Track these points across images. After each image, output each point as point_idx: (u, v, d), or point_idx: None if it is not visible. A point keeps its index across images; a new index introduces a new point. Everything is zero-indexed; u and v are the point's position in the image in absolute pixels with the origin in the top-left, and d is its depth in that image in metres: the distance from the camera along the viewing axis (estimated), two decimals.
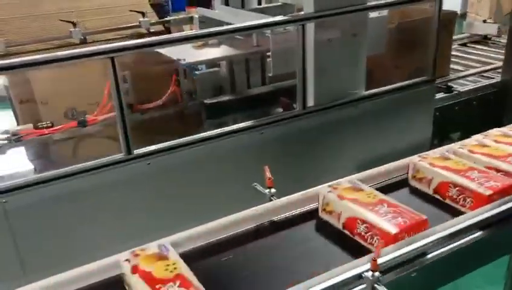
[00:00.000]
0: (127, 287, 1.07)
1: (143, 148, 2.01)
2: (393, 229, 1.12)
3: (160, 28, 3.64)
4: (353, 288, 1.01)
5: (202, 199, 2.07)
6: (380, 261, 1.00)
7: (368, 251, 1.11)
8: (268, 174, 1.41)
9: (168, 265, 1.07)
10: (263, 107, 2.45)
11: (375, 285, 0.99)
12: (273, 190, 1.39)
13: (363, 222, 1.18)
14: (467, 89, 3.17)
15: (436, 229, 1.13)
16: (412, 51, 2.70)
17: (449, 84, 3.20)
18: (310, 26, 2.18)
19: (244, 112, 2.39)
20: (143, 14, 3.58)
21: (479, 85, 3.23)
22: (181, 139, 2.08)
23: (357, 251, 1.13)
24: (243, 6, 2.93)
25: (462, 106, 3.13)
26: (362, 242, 1.18)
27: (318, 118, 2.31)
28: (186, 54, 2.43)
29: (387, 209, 1.20)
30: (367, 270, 0.99)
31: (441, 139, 3.51)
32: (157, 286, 1.01)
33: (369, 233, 1.17)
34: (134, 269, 1.06)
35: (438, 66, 2.66)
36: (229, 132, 2.15)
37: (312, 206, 1.36)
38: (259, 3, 3.00)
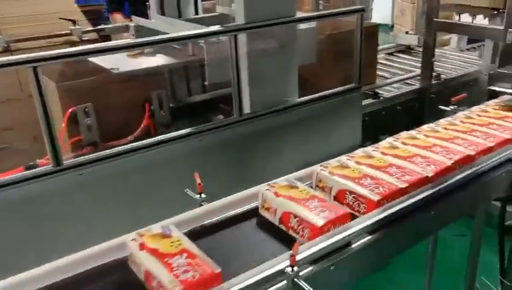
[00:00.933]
0: (132, 266, 1.16)
1: (73, 159, 1.97)
2: (319, 222, 1.23)
3: (94, 36, 3.59)
4: (276, 283, 1.08)
5: (139, 208, 2.07)
6: (299, 257, 1.08)
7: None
8: (198, 180, 1.47)
9: (172, 242, 1.17)
10: (203, 114, 2.52)
11: (295, 279, 1.06)
12: (203, 195, 1.45)
13: (295, 216, 1.28)
14: (391, 95, 3.39)
15: (358, 221, 1.24)
16: (341, 60, 2.87)
17: (376, 90, 3.41)
18: (242, 37, 2.28)
19: (183, 120, 2.45)
20: (74, 22, 3.51)
21: (402, 91, 3.47)
22: (116, 149, 2.06)
23: (291, 243, 1.19)
24: (179, 16, 2.98)
25: (388, 111, 3.35)
26: (295, 235, 1.27)
27: (254, 124, 2.40)
28: (121, 63, 2.45)
29: (317, 204, 1.31)
30: (288, 266, 1.06)
31: (371, 141, 3.72)
32: (165, 259, 1.10)
33: (301, 226, 1.27)
34: (142, 246, 1.15)
35: (365, 74, 2.85)
36: (167, 140, 2.19)
37: (253, 204, 1.44)
38: (196, 13, 3.06)
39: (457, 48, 4.77)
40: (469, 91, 3.88)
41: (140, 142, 2.12)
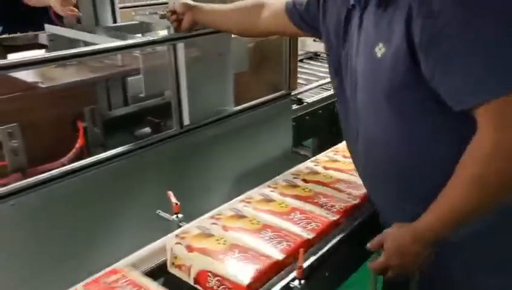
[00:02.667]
0: (176, 271, 1.11)
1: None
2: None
3: None
4: None
5: (80, 238, 1.89)
6: None
7: None
8: (173, 199, 1.37)
9: (217, 239, 1.17)
10: (139, 129, 2.37)
11: None
12: (180, 215, 1.35)
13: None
14: (313, 100, 3.48)
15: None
16: (272, 67, 2.88)
17: (299, 96, 3.48)
18: (181, 46, 2.19)
19: (119, 136, 2.28)
20: None
21: (321, 96, 3.59)
22: (48, 173, 1.82)
23: None
24: (96, 24, 2.78)
25: (312, 115, 3.43)
26: None
27: (195, 136, 2.31)
28: (41, 76, 2.22)
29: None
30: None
31: (298, 144, 3.82)
32: (220, 256, 1.10)
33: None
34: (190, 249, 1.13)
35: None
36: (103, 160, 2.00)
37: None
38: (115, 20, 2.88)
39: None
40: None
41: (75, 163, 1.92)
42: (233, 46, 2.49)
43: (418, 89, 1.20)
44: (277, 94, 2.82)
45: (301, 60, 4.71)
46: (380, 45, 1.23)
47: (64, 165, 1.93)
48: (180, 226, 1.29)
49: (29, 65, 1.73)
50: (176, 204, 1.31)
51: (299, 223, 1.34)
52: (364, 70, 1.31)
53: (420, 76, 1.17)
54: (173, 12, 1.97)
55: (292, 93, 3.41)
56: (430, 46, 1.13)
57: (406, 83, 1.21)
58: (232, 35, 2.51)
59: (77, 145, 2.10)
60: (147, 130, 2.54)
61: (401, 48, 1.18)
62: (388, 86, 1.23)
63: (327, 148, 3.77)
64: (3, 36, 2.98)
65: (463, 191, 1.15)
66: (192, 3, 1.97)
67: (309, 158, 4.05)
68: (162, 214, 1.33)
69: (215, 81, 2.39)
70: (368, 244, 1.33)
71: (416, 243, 1.24)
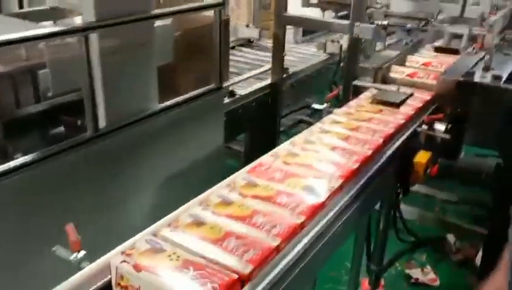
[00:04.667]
0: None
1: None
2: None
3: None
4: None
5: None
6: None
7: None
8: (73, 235, 1.10)
9: (169, 255, 1.05)
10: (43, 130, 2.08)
11: None
12: (82, 253, 1.10)
13: None
14: (246, 92, 3.30)
15: None
16: (201, 58, 2.66)
17: (231, 88, 3.29)
18: (94, 37, 1.92)
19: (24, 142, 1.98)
20: None
21: (256, 88, 3.41)
22: None
23: None
24: (0, 11, 2.43)
25: (245, 108, 3.26)
26: None
27: (113, 139, 2.06)
28: None
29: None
30: None
31: (231, 139, 3.64)
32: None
33: None
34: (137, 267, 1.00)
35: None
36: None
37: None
38: (21, 6, 2.53)
39: (294, 41, 4.92)
40: (315, 83, 4.04)
41: None
42: (157, 35, 2.25)
43: None
44: (206, 88, 2.60)
45: (233, 47, 4.52)
46: None
47: None
48: (81, 268, 1.06)
49: None
50: (76, 242, 1.06)
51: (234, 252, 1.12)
52: None
53: None
54: None
55: (224, 86, 3.24)
56: None
57: None
58: (155, 23, 2.27)
59: None
60: (61, 130, 2.26)
61: None
62: None
63: (261, 143, 3.66)
64: None
65: None
66: None
67: (241, 153, 3.94)
68: (59, 251, 1.08)
69: (136, 77, 2.15)
70: None
71: None
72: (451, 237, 3.29)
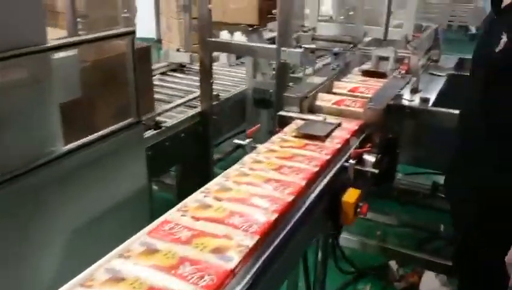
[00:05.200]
0: None
1: None
2: None
3: None
4: None
5: None
6: None
7: None
8: None
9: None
10: None
11: None
12: None
13: None
14: (173, 123, 3.09)
15: None
16: (117, 91, 2.43)
17: (157, 119, 3.07)
18: None
19: None
20: None
21: (184, 117, 3.20)
22: None
23: None
24: None
25: (172, 140, 3.04)
26: None
27: (9, 188, 1.79)
28: None
29: None
30: None
31: (161, 173, 3.40)
32: None
33: None
34: None
35: (141, 103, 2.47)
36: None
37: None
38: None
39: (228, 63, 4.75)
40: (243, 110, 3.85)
41: None
42: (58, 69, 2.00)
43: None
44: (124, 123, 2.36)
45: (164, 73, 4.31)
46: None
47: None
48: None
49: None
50: None
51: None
52: None
53: None
54: None
55: (150, 116, 3.02)
56: None
57: None
58: (55, 55, 2.03)
59: None
60: None
61: None
62: None
63: (195, 175, 3.44)
64: None
65: None
66: None
67: (173, 187, 3.69)
68: None
69: (33, 117, 1.89)
70: None
71: None
72: (393, 264, 3.19)
